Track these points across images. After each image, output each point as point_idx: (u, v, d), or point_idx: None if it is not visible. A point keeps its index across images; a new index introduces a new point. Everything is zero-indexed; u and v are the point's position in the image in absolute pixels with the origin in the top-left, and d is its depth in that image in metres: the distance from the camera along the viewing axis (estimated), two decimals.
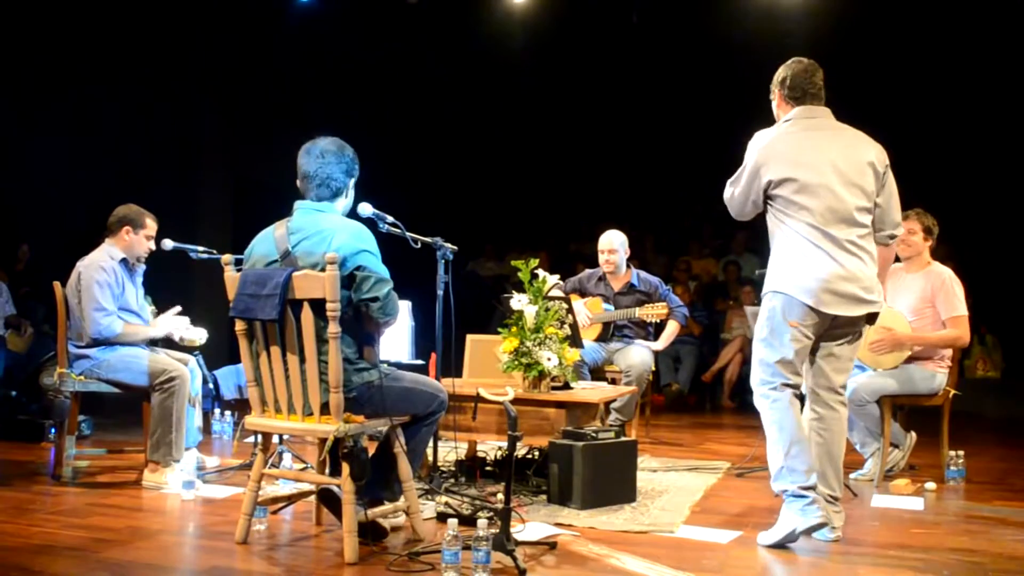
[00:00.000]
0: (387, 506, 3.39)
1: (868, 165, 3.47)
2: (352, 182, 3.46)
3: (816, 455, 3.50)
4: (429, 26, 9.88)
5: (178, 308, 4.77)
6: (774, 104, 3.65)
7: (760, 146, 3.52)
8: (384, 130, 10.14)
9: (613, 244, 6.05)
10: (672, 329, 6.06)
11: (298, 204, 3.39)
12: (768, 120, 3.63)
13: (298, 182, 3.42)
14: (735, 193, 3.61)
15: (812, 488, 3.38)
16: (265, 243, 3.36)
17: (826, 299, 3.38)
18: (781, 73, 3.60)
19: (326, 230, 3.25)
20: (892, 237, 3.58)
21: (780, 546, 3.40)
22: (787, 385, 3.46)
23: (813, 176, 3.41)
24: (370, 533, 3.33)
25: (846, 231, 3.40)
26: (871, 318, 3.53)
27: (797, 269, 3.42)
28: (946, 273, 4.72)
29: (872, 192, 3.47)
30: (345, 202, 3.47)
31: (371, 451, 3.40)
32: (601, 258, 6.08)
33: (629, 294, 6.05)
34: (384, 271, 3.26)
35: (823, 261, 3.38)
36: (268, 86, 9.72)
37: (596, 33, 10.13)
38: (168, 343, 4.77)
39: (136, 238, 4.65)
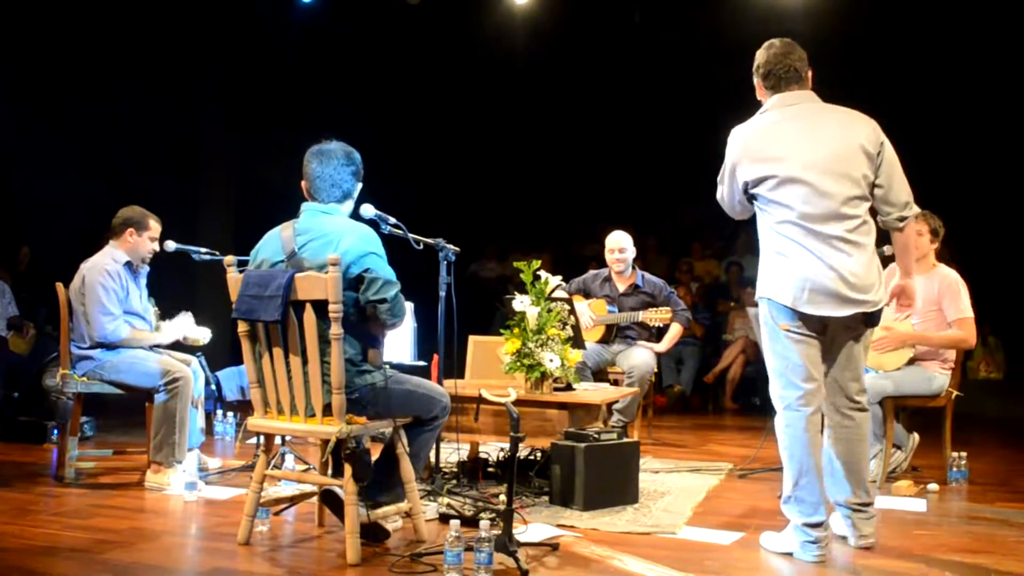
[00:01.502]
0: (389, 508, 3.39)
1: (858, 149, 3.19)
2: (359, 187, 3.47)
3: (837, 465, 3.37)
4: (431, 27, 9.89)
5: (186, 313, 4.78)
6: (760, 98, 3.42)
7: (734, 143, 3.32)
8: (386, 131, 10.14)
9: (622, 243, 6.06)
10: (675, 331, 6.05)
11: (305, 206, 3.40)
12: None
13: (304, 184, 3.42)
14: (724, 193, 3.43)
15: (818, 525, 3.24)
16: (272, 244, 3.36)
17: (808, 299, 3.17)
18: (756, 60, 3.38)
19: (332, 232, 3.25)
20: (902, 219, 3.26)
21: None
22: (802, 398, 3.24)
23: (790, 171, 3.18)
24: (372, 534, 3.33)
25: (833, 226, 3.16)
26: (870, 318, 3.28)
27: (779, 271, 3.23)
28: (952, 276, 4.70)
29: (864, 177, 3.20)
30: (351, 205, 3.48)
31: (375, 453, 3.41)
32: (611, 257, 6.08)
33: (633, 295, 6.06)
34: (391, 273, 3.28)
35: (805, 260, 3.16)
36: (270, 86, 9.72)
37: (598, 34, 10.13)
38: (172, 343, 4.78)
39: (140, 240, 4.65)
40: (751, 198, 3.34)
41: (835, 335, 3.31)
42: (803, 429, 3.25)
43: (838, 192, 3.18)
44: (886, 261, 4.76)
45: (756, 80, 3.41)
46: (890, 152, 3.26)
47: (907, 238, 3.35)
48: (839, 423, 3.38)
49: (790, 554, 3.32)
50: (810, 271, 3.18)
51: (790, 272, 3.21)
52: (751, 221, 3.52)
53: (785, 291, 3.22)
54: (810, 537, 3.26)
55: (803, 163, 3.20)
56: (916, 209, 3.31)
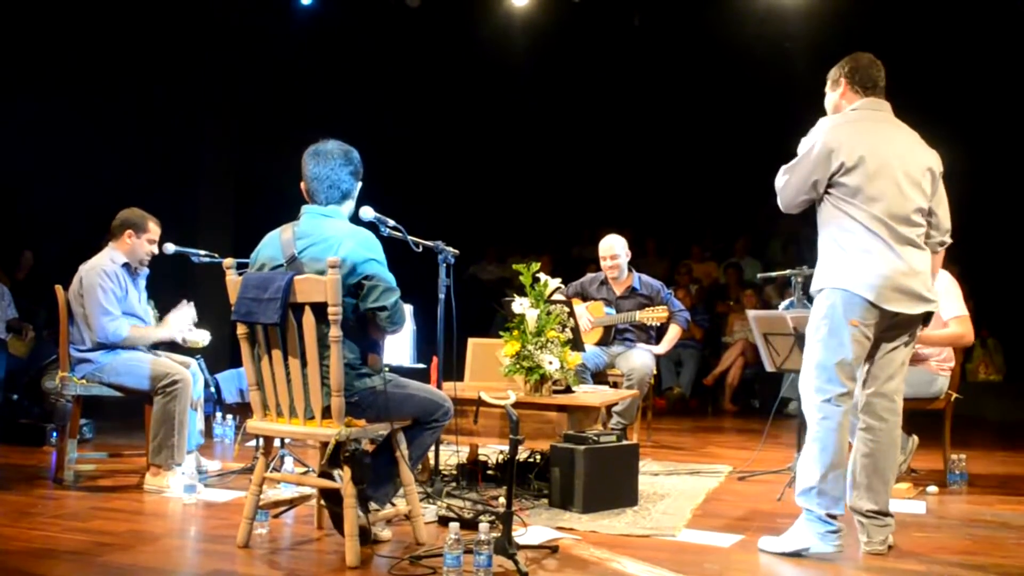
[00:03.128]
0: (388, 510, 3.39)
1: (928, 170, 3.40)
2: (359, 186, 3.46)
3: (862, 467, 3.38)
4: (430, 29, 9.89)
5: (185, 301, 4.77)
6: (836, 94, 3.51)
7: (829, 128, 3.38)
8: (385, 133, 10.14)
9: (615, 249, 6.05)
10: (674, 333, 6.06)
11: (305, 208, 3.39)
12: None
13: (303, 185, 3.41)
14: (791, 180, 3.43)
15: (837, 517, 3.31)
16: (271, 246, 3.36)
17: (889, 296, 3.25)
18: (848, 64, 3.49)
19: (332, 237, 3.25)
20: (942, 244, 3.50)
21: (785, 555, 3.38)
22: (843, 396, 3.30)
23: (884, 167, 3.30)
24: (370, 539, 3.33)
25: (908, 229, 3.31)
26: (928, 318, 3.41)
27: (859, 264, 3.28)
28: (944, 276, 4.71)
29: (928, 196, 3.39)
30: (351, 205, 3.47)
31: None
32: (604, 264, 6.09)
33: (631, 298, 6.06)
34: (392, 279, 3.27)
35: (887, 256, 3.26)
36: (269, 88, 9.73)
37: (598, 36, 10.14)
38: (171, 345, 4.78)
39: (139, 242, 4.65)
40: (829, 188, 3.36)
41: (890, 334, 3.38)
42: (839, 424, 3.31)
43: (914, 199, 3.35)
44: None
45: (844, 81, 3.49)
46: (942, 184, 3.51)
47: (939, 260, 3.63)
48: (873, 425, 3.40)
49: (805, 549, 3.32)
50: (894, 268, 3.27)
51: (875, 268, 3.27)
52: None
53: (868, 286, 3.27)
54: (832, 527, 3.30)
55: (894, 164, 3.34)
56: (950, 239, 3.53)
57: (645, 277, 6.20)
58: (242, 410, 5.83)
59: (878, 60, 3.51)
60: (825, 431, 3.31)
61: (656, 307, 5.89)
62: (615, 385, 5.87)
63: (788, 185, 3.45)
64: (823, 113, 3.56)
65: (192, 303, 4.80)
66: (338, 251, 3.19)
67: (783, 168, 3.48)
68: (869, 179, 3.29)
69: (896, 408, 3.42)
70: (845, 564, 3.29)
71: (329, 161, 3.36)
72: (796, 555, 3.35)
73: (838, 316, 3.31)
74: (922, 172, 3.39)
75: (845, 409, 3.32)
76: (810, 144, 3.38)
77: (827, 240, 3.41)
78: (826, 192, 3.38)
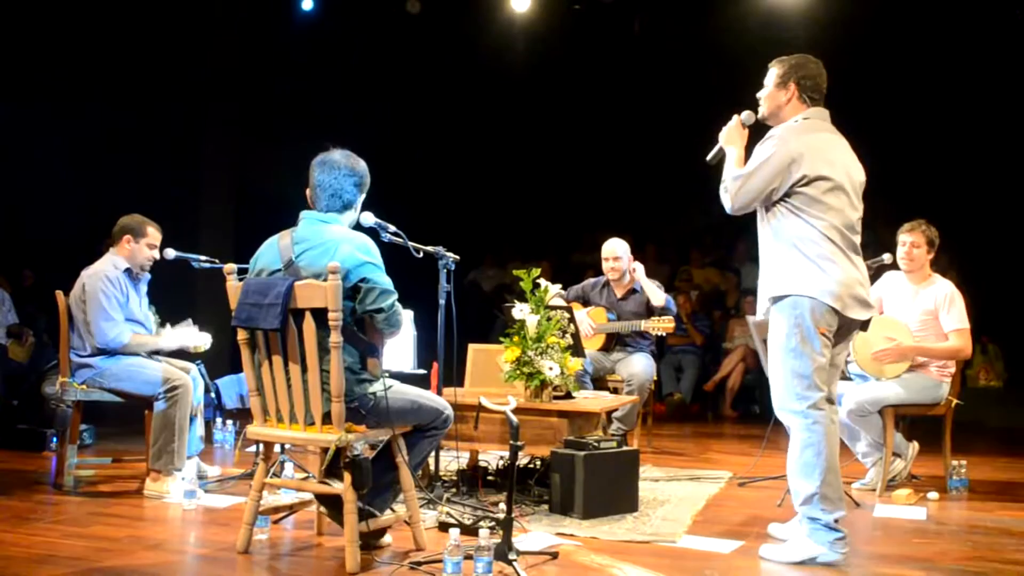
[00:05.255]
0: (388, 516, 3.38)
1: (863, 182, 3.51)
2: (362, 197, 3.47)
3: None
4: (431, 36, 9.90)
5: (189, 321, 4.79)
6: (782, 96, 3.48)
7: (790, 139, 3.37)
8: (386, 139, 10.15)
9: (617, 252, 6.06)
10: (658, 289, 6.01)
11: (303, 214, 3.40)
12: (769, 130, 3.52)
13: (307, 192, 3.42)
14: (748, 184, 3.38)
15: (840, 519, 3.32)
16: (270, 252, 3.36)
17: (849, 303, 3.34)
18: (799, 69, 3.47)
19: (329, 241, 3.25)
20: None
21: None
22: (825, 399, 3.34)
23: (840, 178, 3.38)
24: (371, 542, 3.33)
25: (855, 236, 3.42)
26: (866, 323, 3.52)
27: (823, 271, 3.32)
28: (949, 287, 4.73)
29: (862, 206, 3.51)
30: (352, 215, 3.48)
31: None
32: (605, 266, 6.09)
33: (631, 299, 6.06)
34: (388, 282, 3.27)
35: (845, 264, 3.34)
36: (271, 95, 9.74)
37: (597, 42, 10.15)
38: (172, 350, 4.78)
39: (137, 247, 4.66)
40: (784, 197, 3.38)
41: (837, 340, 3.45)
42: (828, 425, 3.34)
43: (859, 209, 3.47)
44: (882, 269, 4.81)
45: (794, 87, 3.46)
46: None
47: None
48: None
49: (813, 558, 3.30)
50: (852, 276, 3.37)
51: (837, 276, 3.34)
52: (755, 231, 3.51)
53: (833, 294, 3.33)
54: (839, 534, 3.31)
55: (847, 175, 3.43)
56: None
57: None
58: (242, 415, 5.83)
59: (824, 67, 3.51)
60: (819, 436, 3.32)
61: (662, 317, 5.87)
62: (615, 391, 5.87)
63: (745, 189, 3.40)
64: None
65: (190, 321, 4.82)
66: (335, 255, 3.19)
67: (735, 175, 3.42)
68: (827, 192, 3.36)
69: (837, 407, 3.57)
70: (847, 570, 3.29)
71: (334, 170, 3.37)
72: (803, 563, 3.34)
73: (808, 323, 3.33)
74: (861, 184, 3.50)
75: (828, 412, 3.35)
76: (769, 152, 3.37)
77: (786, 246, 3.40)
78: (782, 199, 3.39)
